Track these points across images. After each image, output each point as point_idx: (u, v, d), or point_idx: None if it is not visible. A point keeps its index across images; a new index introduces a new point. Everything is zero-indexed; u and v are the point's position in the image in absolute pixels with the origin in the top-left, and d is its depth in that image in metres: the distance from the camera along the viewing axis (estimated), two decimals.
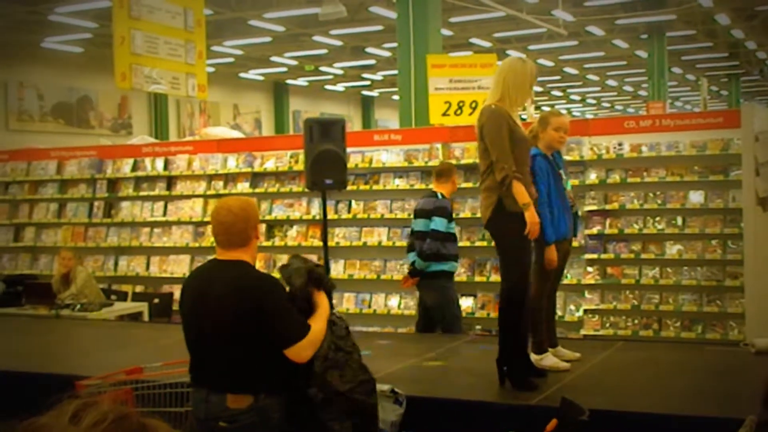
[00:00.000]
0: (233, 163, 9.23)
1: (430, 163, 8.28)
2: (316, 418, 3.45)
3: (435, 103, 10.37)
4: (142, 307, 8.09)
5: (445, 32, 17.20)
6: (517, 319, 4.63)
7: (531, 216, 4.51)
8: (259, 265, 8.07)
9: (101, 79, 19.82)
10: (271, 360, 3.37)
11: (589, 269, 7.64)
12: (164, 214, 9.50)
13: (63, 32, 18.27)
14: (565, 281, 6.73)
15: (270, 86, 29.27)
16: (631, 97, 38.23)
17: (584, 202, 7.59)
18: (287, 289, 3.48)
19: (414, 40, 12.01)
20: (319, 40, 21.20)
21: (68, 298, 7.68)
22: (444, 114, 10.23)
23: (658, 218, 7.50)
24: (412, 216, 7.05)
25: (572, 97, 37.80)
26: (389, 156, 8.55)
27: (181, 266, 9.30)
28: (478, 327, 7.83)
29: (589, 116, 36.14)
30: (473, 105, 9.95)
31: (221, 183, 9.28)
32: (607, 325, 7.57)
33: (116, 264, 9.76)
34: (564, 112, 8.35)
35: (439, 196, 6.79)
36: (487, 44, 22.07)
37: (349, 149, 7.05)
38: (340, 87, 31.39)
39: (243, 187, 9.11)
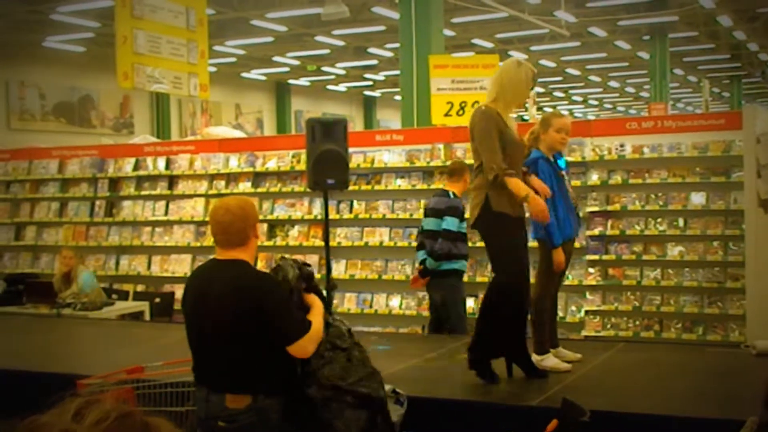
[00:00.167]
0: (235, 162, 9.23)
1: (432, 164, 8.29)
2: (317, 418, 3.45)
3: (437, 103, 10.37)
4: (143, 306, 8.09)
5: (448, 33, 17.19)
6: (506, 315, 4.62)
7: (534, 203, 4.51)
8: (261, 265, 8.09)
9: (103, 79, 19.80)
10: (270, 360, 3.39)
11: (591, 270, 7.64)
12: (166, 213, 9.51)
13: (65, 31, 18.26)
14: (566, 282, 6.73)
15: (272, 86, 29.25)
16: (633, 99, 38.18)
17: (586, 203, 7.59)
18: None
19: (416, 41, 12.00)
20: (321, 40, 21.19)
21: (69, 297, 7.68)
22: (446, 114, 10.23)
23: (659, 219, 7.50)
24: (413, 216, 7.04)
25: (574, 98, 37.76)
26: (391, 156, 8.55)
27: (182, 266, 9.31)
28: None
29: (591, 117, 36.10)
30: (475, 106, 9.92)
31: (223, 183, 9.29)
32: (609, 326, 7.57)
33: (117, 263, 9.77)
34: (566, 113, 8.32)
35: (451, 195, 6.76)
36: (489, 45, 22.05)
37: (351, 149, 7.04)
38: (342, 87, 31.37)
39: (245, 186, 9.12)
